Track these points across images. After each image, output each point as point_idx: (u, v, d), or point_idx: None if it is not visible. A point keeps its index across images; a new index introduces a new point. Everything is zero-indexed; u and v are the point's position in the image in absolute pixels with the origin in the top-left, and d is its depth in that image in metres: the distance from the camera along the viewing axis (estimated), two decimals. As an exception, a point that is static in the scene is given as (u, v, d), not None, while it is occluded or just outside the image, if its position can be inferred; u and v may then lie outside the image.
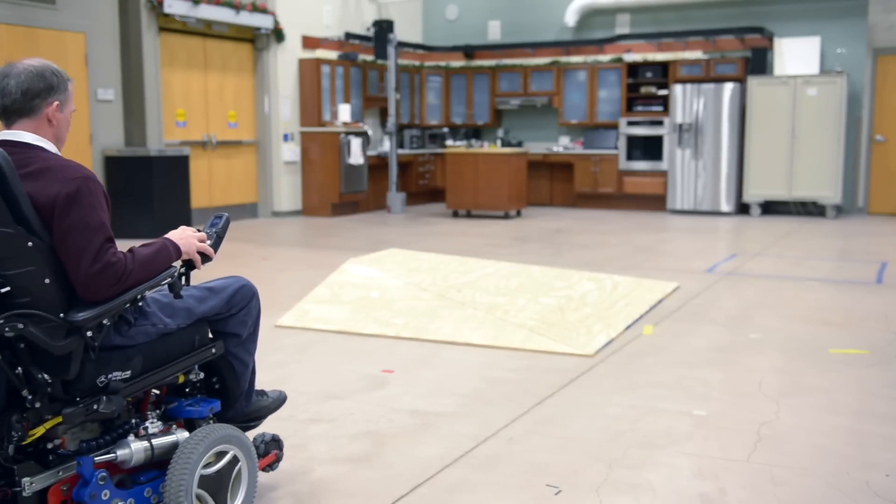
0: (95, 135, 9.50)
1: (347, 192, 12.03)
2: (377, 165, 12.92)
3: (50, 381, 2.33)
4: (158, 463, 2.58)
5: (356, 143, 11.99)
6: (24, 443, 2.33)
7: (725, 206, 12.31)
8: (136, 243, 2.67)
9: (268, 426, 3.19)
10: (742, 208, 12.46)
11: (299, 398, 4.00)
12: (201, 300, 2.77)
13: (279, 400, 3.12)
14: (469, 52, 14.18)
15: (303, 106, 12.04)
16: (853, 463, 3.24)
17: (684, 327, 5.45)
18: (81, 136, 9.34)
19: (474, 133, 14.64)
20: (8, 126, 2.45)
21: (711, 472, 3.15)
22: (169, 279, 2.56)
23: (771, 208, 12.43)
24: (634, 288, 6.40)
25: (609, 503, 2.91)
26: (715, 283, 6.95)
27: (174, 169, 9.81)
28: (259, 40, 11.62)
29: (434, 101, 14.55)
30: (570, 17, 13.58)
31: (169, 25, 10.28)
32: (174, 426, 2.68)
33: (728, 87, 12.17)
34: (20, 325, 2.23)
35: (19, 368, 2.29)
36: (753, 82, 12.03)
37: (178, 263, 2.64)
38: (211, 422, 2.76)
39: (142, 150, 9.58)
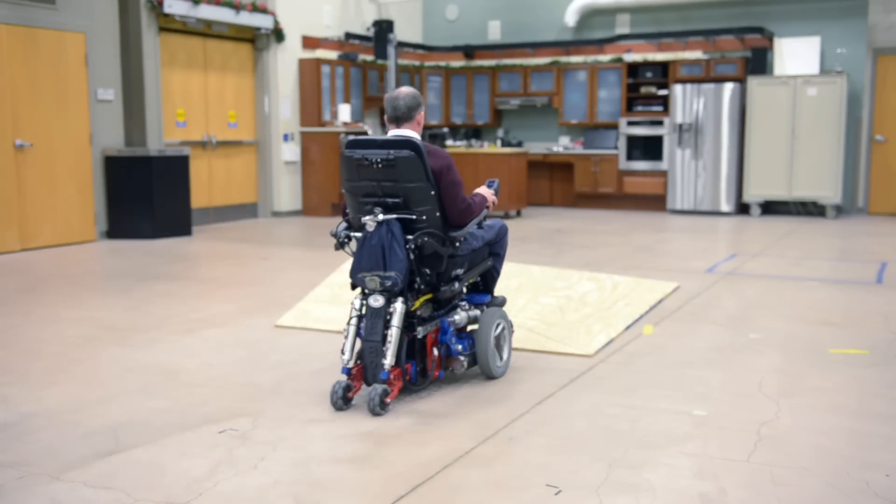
0: (95, 135, 9.50)
1: (347, 192, 12.01)
2: (377, 165, 12.90)
3: (429, 273, 4.12)
4: (465, 328, 4.37)
5: (356, 143, 11.98)
6: (411, 310, 4.03)
7: (725, 206, 12.31)
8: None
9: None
10: (742, 208, 12.46)
11: (299, 398, 4.00)
12: (486, 231, 4.49)
13: (504, 301, 4.71)
14: (469, 52, 14.18)
15: (303, 106, 12.04)
16: (853, 463, 3.24)
17: (684, 327, 5.45)
18: (81, 136, 9.34)
19: (474, 133, 14.64)
20: (397, 127, 4.19)
21: (711, 472, 3.15)
22: (481, 217, 4.36)
23: (771, 208, 12.43)
24: (634, 288, 6.40)
25: (609, 503, 2.91)
26: (715, 283, 6.95)
27: (174, 169, 9.81)
28: (259, 40, 11.62)
29: (434, 101, 14.55)
30: (570, 17, 13.58)
31: (169, 25, 10.28)
32: (471, 307, 4.41)
33: (728, 87, 12.17)
34: (425, 238, 4.00)
35: (414, 266, 4.01)
36: (753, 82, 12.03)
37: None
38: (485, 308, 4.46)
39: (142, 150, 9.58)
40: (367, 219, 3.96)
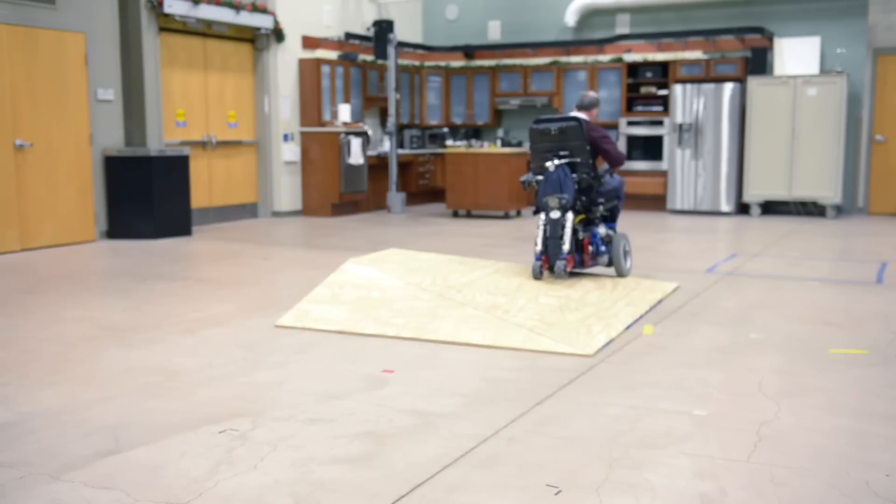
0: (95, 135, 9.50)
1: (347, 192, 12.03)
2: (377, 165, 12.92)
3: (584, 199, 6.53)
4: (604, 240, 6.76)
5: (356, 143, 11.99)
6: (574, 223, 6.43)
7: (725, 206, 12.31)
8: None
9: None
10: (742, 208, 12.46)
11: (299, 398, 4.01)
12: (613, 181, 6.81)
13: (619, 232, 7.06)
14: (469, 52, 14.18)
15: (303, 106, 12.04)
16: (853, 463, 3.24)
17: (684, 327, 5.45)
18: (81, 136, 9.34)
19: (474, 133, 14.64)
20: (579, 112, 6.73)
21: (711, 472, 3.15)
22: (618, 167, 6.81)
23: (771, 208, 12.43)
24: (634, 288, 6.40)
25: (609, 503, 2.91)
26: (715, 283, 6.95)
27: (174, 169, 9.81)
28: (259, 40, 11.62)
29: (434, 101, 14.55)
30: (570, 17, 13.59)
31: (169, 25, 10.28)
32: (606, 228, 6.83)
33: (728, 87, 12.17)
34: (584, 175, 6.48)
35: (575, 194, 6.48)
36: (753, 82, 12.03)
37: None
38: (615, 231, 6.89)
39: (142, 150, 9.58)
40: (548, 163, 6.45)
